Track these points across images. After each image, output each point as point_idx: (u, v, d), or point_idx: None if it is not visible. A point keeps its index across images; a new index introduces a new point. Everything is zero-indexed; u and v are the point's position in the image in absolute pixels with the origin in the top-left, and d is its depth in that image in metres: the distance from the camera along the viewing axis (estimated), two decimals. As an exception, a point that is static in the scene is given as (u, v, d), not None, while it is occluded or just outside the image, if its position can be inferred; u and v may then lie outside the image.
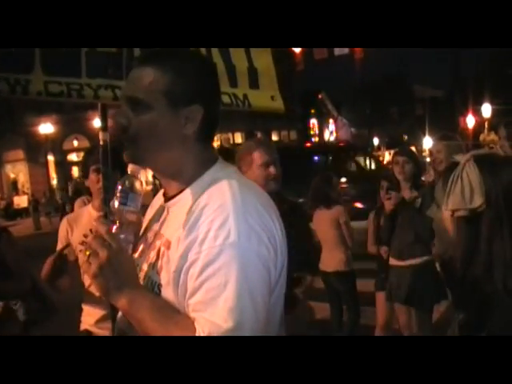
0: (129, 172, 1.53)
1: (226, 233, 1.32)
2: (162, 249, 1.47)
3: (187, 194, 1.48)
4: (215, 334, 1.27)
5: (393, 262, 4.58)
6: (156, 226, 1.57)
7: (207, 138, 1.53)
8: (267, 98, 4.07)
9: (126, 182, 1.50)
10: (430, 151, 4.49)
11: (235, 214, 1.34)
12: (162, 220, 1.56)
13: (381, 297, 5.09)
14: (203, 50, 2.84)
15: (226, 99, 3.27)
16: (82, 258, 2.59)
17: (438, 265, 4.27)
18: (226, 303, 1.29)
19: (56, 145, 30.98)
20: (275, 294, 1.45)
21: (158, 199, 1.66)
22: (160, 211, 1.59)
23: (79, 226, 3.05)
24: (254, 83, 3.77)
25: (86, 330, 3.00)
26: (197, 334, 1.30)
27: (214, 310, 1.29)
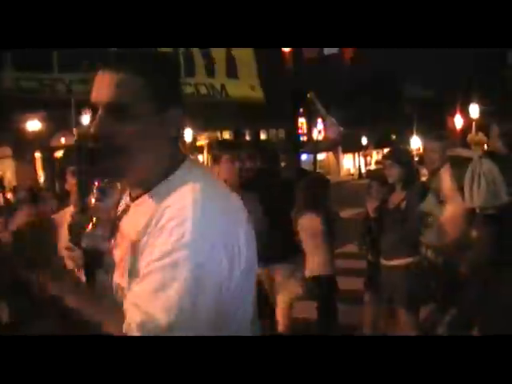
0: None
1: (181, 233, 1.33)
2: (125, 250, 1.48)
3: (151, 196, 1.48)
4: (147, 326, 1.30)
5: (381, 261, 4.60)
6: (122, 226, 1.55)
7: (177, 138, 1.53)
8: (246, 87, 4.11)
9: (103, 180, 1.50)
10: (424, 150, 4.51)
11: (193, 219, 1.35)
12: (127, 219, 1.55)
13: (369, 296, 5.11)
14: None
15: (202, 90, 3.26)
16: (69, 264, 2.58)
17: (430, 260, 4.28)
18: (166, 300, 1.30)
19: (43, 142, 30.77)
20: (236, 298, 1.44)
21: (127, 196, 1.65)
22: (125, 209, 1.57)
23: (63, 229, 3.00)
24: (232, 72, 3.78)
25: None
26: (126, 322, 1.33)
27: (152, 303, 1.31)
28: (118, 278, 1.49)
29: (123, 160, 1.44)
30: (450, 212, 2.17)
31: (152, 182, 1.49)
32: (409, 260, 4.38)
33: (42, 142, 30.17)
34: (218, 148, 4.48)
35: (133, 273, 1.43)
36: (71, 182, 2.99)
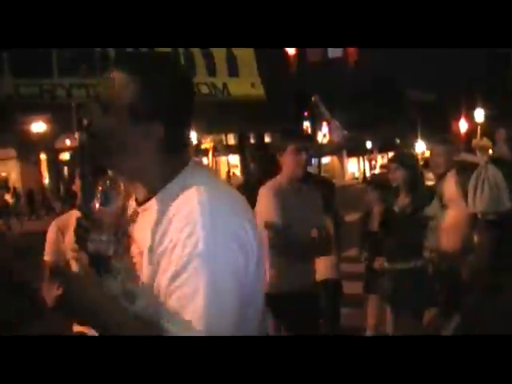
0: (109, 173, 1.51)
1: (194, 243, 1.32)
2: (136, 257, 1.48)
3: (157, 200, 1.47)
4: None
5: (385, 265, 4.60)
6: (130, 231, 1.55)
7: (175, 147, 1.50)
8: (247, 85, 4.10)
9: (107, 183, 1.49)
10: (430, 154, 4.52)
11: (203, 224, 1.34)
12: (134, 225, 1.54)
13: (372, 299, 5.10)
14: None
15: (204, 89, 3.24)
16: (74, 266, 2.57)
17: (434, 264, 4.28)
18: (194, 314, 1.30)
19: (48, 143, 30.82)
20: (249, 295, 1.44)
21: (133, 201, 1.63)
22: (133, 215, 1.57)
23: (69, 231, 3.00)
24: (233, 71, 3.76)
25: (80, 332, 2.96)
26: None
27: (182, 319, 1.31)
28: (127, 283, 1.48)
29: (99, 148, 1.46)
30: (452, 217, 2.16)
31: (156, 186, 1.49)
32: (413, 264, 4.38)
33: (46, 143, 30.24)
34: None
35: (144, 279, 1.44)
36: (78, 184, 2.98)
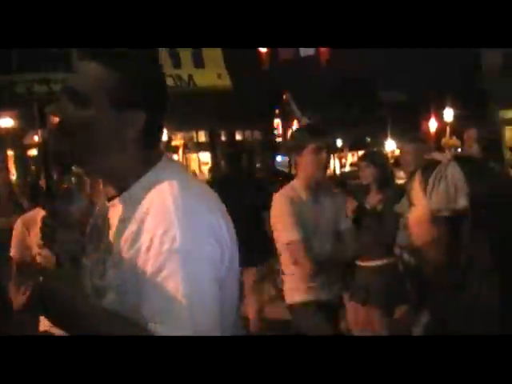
0: (74, 170, 1.49)
1: (171, 239, 1.31)
2: (105, 253, 1.45)
3: (128, 195, 1.45)
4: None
5: (356, 262, 4.63)
6: (100, 227, 1.53)
7: (150, 141, 1.49)
8: (213, 76, 4.09)
9: (72, 181, 1.47)
10: (400, 152, 4.62)
11: (178, 219, 1.33)
12: (105, 221, 1.52)
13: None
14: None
15: (169, 81, 3.19)
16: (40, 260, 2.53)
17: (404, 261, 4.32)
18: (179, 312, 1.29)
19: (15, 140, 30.36)
20: (224, 290, 1.43)
21: (102, 197, 1.62)
22: (103, 210, 1.55)
23: (36, 226, 2.96)
24: (199, 62, 3.74)
25: (46, 331, 2.92)
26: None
27: (167, 319, 1.30)
28: (97, 279, 1.46)
29: (74, 145, 1.42)
30: (415, 213, 2.17)
31: (126, 182, 1.46)
32: (384, 261, 4.42)
33: (13, 139, 29.78)
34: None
35: (113, 274, 1.41)
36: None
